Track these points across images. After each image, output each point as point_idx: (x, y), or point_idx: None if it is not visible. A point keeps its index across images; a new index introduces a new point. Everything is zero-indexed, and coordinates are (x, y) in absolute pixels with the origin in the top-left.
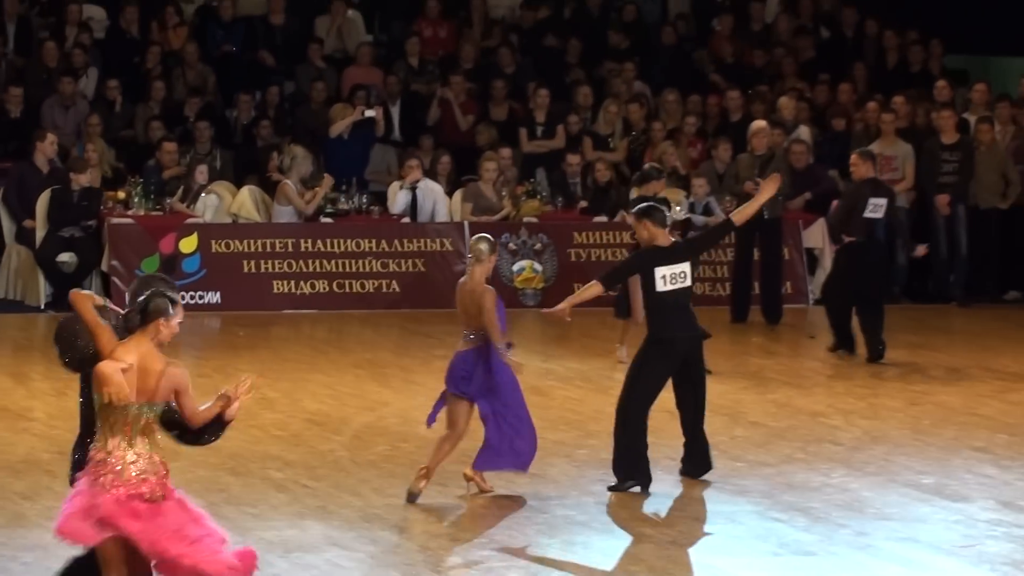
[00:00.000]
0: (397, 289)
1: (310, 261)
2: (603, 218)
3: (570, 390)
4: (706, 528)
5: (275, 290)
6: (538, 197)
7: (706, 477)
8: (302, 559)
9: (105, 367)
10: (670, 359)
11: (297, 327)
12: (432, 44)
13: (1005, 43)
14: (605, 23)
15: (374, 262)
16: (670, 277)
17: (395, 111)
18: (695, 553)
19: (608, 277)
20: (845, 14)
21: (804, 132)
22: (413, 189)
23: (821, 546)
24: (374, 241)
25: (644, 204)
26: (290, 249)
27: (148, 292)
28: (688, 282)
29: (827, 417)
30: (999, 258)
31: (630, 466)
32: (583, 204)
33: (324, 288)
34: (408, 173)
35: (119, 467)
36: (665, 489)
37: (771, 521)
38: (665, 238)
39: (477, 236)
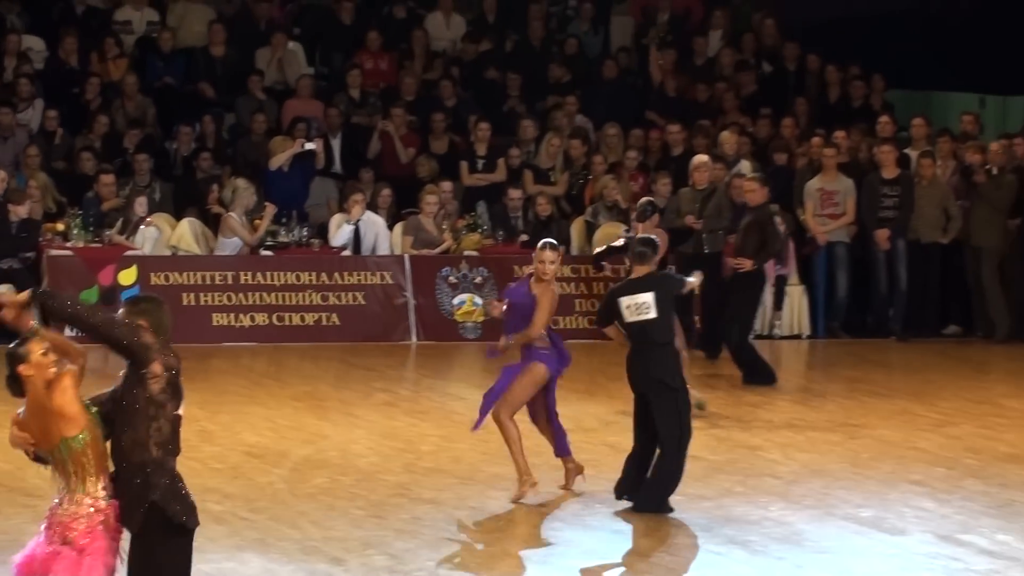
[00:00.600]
0: (337, 322)
1: (250, 294)
2: None
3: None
4: (644, 562)
5: (215, 323)
6: (479, 231)
7: (637, 514)
8: None
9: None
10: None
11: (236, 360)
12: (373, 76)
13: (946, 79)
14: (547, 56)
15: (314, 295)
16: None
17: (336, 143)
18: None
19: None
20: (787, 49)
21: (745, 166)
22: (356, 223)
23: None
24: (314, 274)
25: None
26: (230, 282)
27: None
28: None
29: (765, 451)
30: (939, 292)
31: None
32: (524, 238)
33: (264, 321)
34: (352, 207)
35: (57, 511)
36: (604, 522)
37: (709, 554)
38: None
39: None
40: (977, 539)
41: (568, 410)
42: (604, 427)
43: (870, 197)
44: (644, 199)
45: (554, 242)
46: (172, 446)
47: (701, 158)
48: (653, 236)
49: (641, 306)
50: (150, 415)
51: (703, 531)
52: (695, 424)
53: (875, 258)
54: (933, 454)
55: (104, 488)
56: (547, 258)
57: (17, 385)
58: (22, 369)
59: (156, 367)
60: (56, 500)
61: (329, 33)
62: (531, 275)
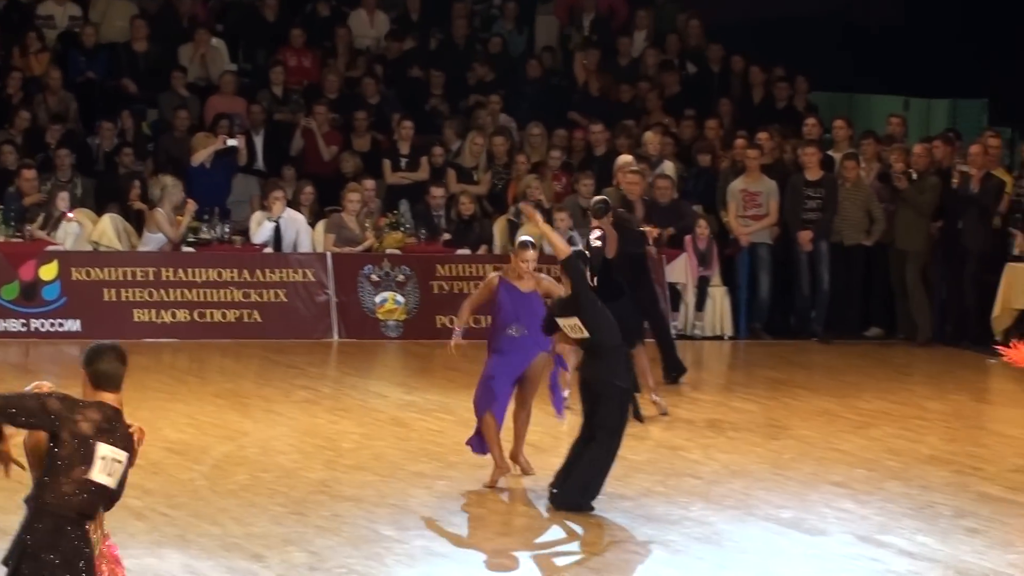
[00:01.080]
0: (259, 319)
1: (171, 290)
2: (466, 251)
3: (431, 422)
4: (564, 561)
5: (136, 318)
6: (401, 229)
7: (562, 511)
8: None
9: None
10: None
11: (158, 356)
12: (296, 73)
13: (870, 82)
14: (471, 55)
15: (236, 292)
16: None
17: (258, 140)
18: None
19: None
20: (711, 50)
21: (668, 167)
22: (277, 220)
23: None
24: (236, 271)
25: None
26: (151, 278)
27: None
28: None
29: (687, 451)
30: (861, 294)
31: None
32: (446, 236)
33: (185, 317)
34: (273, 204)
35: None
36: (528, 522)
37: (630, 554)
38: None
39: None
40: (897, 540)
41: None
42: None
43: (793, 199)
44: (598, 197)
45: (533, 240)
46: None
47: (626, 158)
48: (584, 250)
49: (574, 327)
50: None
51: (623, 531)
52: None
53: (798, 259)
54: (854, 455)
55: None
56: (529, 257)
57: None
58: None
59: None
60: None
61: (252, 30)
62: (502, 279)
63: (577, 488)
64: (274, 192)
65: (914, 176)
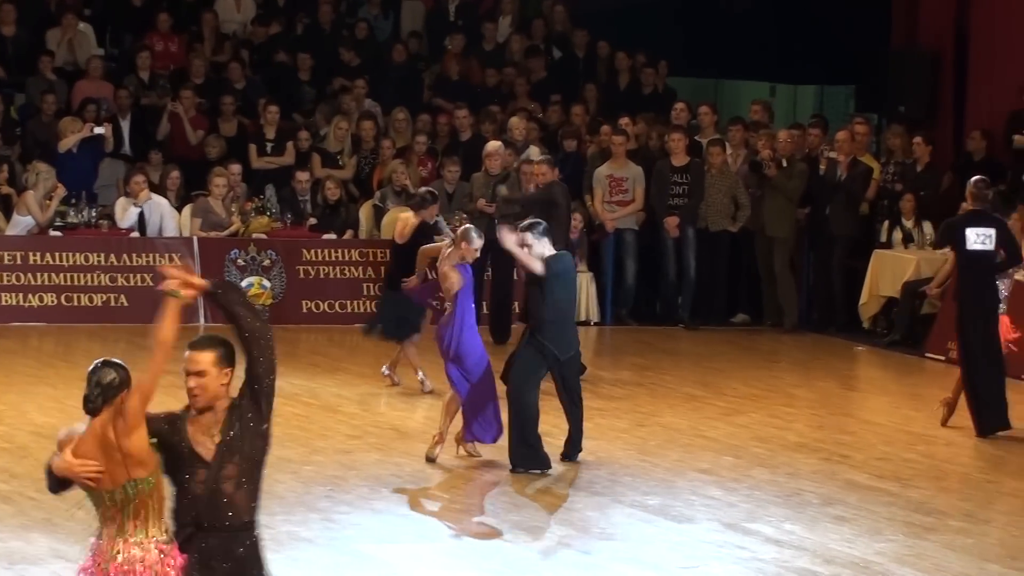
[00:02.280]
0: (126, 303)
1: (39, 274)
2: (332, 235)
3: (297, 407)
4: (430, 547)
5: (3, 302)
6: (267, 213)
7: (432, 495)
8: (26, 571)
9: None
10: None
11: (25, 340)
12: (163, 58)
13: (736, 67)
14: (337, 40)
15: (103, 276)
16: None
17: (125, 125)
18: (414, 571)
19: None
20: (577, 35)
21: (534, 152)
22: (141, 206)
23: (545, 564)
24: (103, 255)
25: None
26: (18, 262)
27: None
28: None
29: (553, 437)
30: (727, 281)
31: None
32: (312, 221)
33: (52, 301)
34: (136, 190)
35: (104, 560)
36: (391, 506)
37: (496, 540)
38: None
39: (469, 225)
40: (764, 528)
41: (353, 393)
42: (391, 410)
43: (660, 184)
44: (423, 188)
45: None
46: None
47: (495, 144)
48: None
49: None
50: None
51: (490, 516)
52: None
53: (664, 245)
54: (721, 442)
55: (165, 531)
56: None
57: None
58: (125, 396)
59: None
60: (99, 541)
61: (120, 14)
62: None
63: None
64: (136, 177)
65: (784, 163)
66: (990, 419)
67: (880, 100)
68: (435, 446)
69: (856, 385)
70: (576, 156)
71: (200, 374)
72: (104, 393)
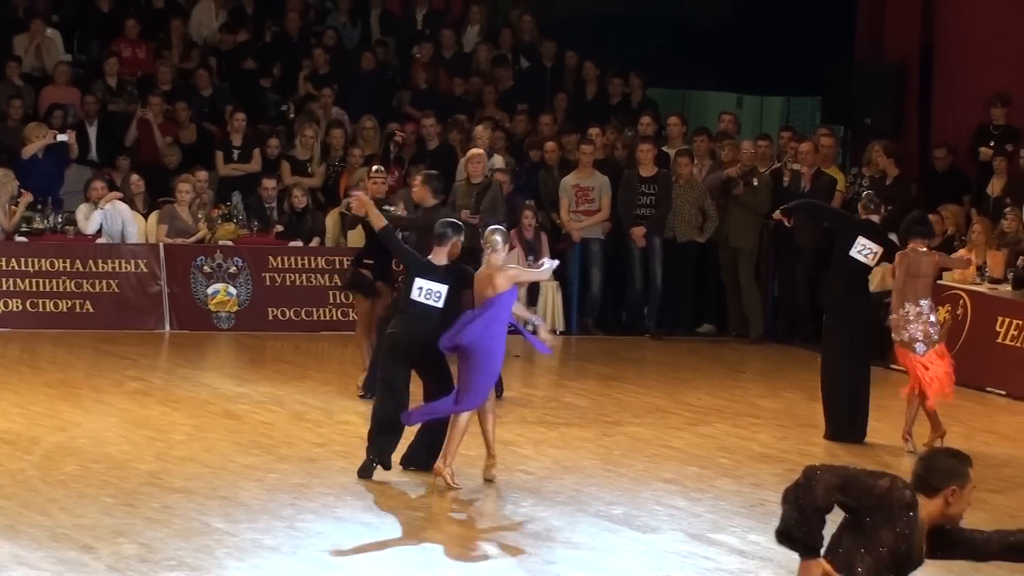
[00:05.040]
0: (91, 309)
1: (3, 280)
2: (299, 243)
3: (263, 414)
4: (393, 555)
5: None
6: (234, 220)
7: (397, 503)
8: None
9: None
10: None
11: None
12: (131, 64)
13: (703, 78)
14: (305, 48)
15: (68, 282)
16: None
17: (92, 131)
18: None
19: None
20: (544, 45)
21: (499, 161)
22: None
23: (509, 574)
24: (68, 261)
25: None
26: None
27: None
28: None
29: (518, 446)
30: (693, 291)
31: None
32: (279, 228)
33: (17, 307)
34: (97, 195)
35: None
36: (355, 515)
37: (460, 548)
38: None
39: (492, 228)
40: (729, 538)
41: (318, 401)
42: (356, 418)
43: (627, 194)
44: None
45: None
46: None
47: (477, 151)
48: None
49: (432, 293)
50: None
51: (455, 525)
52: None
53: (631, 255)
54: (686, 452)
55: None
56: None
57: None
58: None
59: None
60: None
61: (87, 21)
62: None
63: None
64: (95, 183)
65: (755, 182)
66: (835, 427)
67: (846, 112)
68: (491, 468)
69: (820, 396)
70: (541, 165)
71: None
72: None
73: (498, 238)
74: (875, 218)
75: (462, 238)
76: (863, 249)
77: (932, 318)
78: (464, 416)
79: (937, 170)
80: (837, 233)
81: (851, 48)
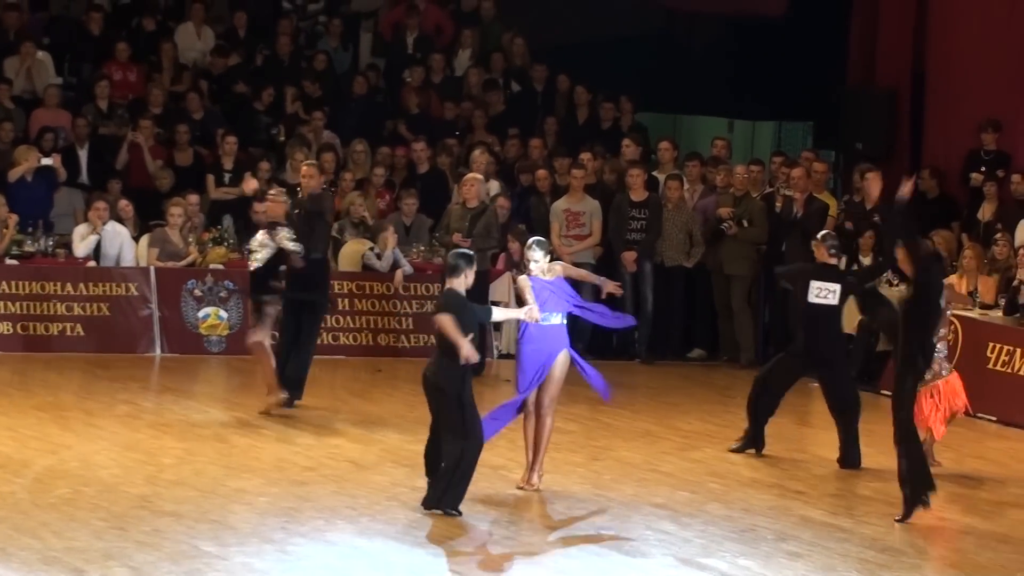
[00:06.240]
0: (82, 333)
1: None
2: None
3: (253, 438)
4: None
5: None
6: (225, 244)
7: (387, 527)
8: None
9: None
10: None
11: None
12: (121, 88)
13: (694, 103)
14: (296, 71)
15: (59, 305)
16: None
17: (83, 154)
18: None
19: None
20: (536, 70)
21: (492, 186)
22: (100, 233)
23: None
24: (59, 284)
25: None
26: None
27: None
28: None
29: (508, 470)
30: (683, 316)
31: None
32: None
33: (8, 330)
34: (98, 215)
35: None
36: (345, 538)
37: (447, 573)
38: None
39: (534, 241)
40: (719, 563)
41: (309, 424)
42: (347, 441)
43: (618, 219)
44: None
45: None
46: None
47: (474, 176)
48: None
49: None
50: None
51: (443, 549)
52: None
53: (622, 280)
54: (676, 477)
55: None
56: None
57: None
58: None
59: None
60: None
61: (78, 44)
62: (518, 272)
63: (440, 489)
64: (97, 203)
65: (745, 223)
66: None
67: (838, 137)
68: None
69: (811, 421)
70: (532, 190)
71: None
72: None
73: (538, 251)
74: (831, 257)
75: (474, 267)
76: (819, 291)
77: (943, 353)
78: (548, 422)
79: (922, 192)
80: (794, 289)
81: (843, 74)
